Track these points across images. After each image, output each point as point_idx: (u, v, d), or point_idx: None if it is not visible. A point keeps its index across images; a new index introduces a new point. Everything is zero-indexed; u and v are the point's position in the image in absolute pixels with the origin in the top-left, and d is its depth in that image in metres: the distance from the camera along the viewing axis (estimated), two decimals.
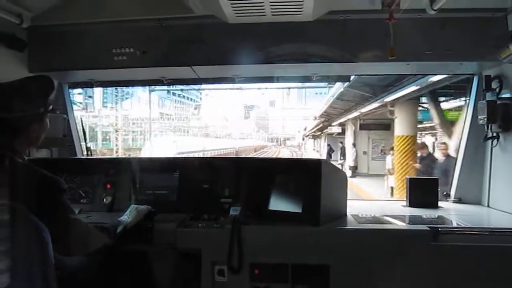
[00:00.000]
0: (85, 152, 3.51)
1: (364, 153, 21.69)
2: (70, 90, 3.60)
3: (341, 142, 24.36)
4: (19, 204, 1.52)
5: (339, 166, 21.37)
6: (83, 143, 3.55)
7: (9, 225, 1.49)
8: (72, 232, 1.73)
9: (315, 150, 47.68)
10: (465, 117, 3.21)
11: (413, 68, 3.12)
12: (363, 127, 20.27)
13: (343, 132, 24.45)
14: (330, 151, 25.89)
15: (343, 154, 23.32)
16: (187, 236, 2.31)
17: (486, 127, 2.91)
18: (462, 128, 3.23)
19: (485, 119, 2.79)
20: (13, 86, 1.72)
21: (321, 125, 29.10)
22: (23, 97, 1.71)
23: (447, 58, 2.74)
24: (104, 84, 3.60)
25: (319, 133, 36.08)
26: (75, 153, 3.49)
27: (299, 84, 22.55)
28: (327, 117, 25.66)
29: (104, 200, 2.70)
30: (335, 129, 25.53)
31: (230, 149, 41.93)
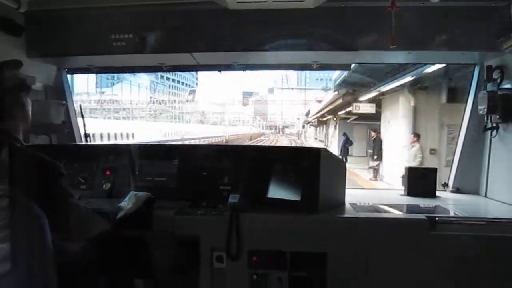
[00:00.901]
0: (84, 139, 3.51)
1: (432, 152, 11.91)
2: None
3: (375, 131, 15.90)
4: (17, 190, 1.52)
5: (370, 172, 15.52)
6: (82, 130, 3.54)
7: (7, 212, 1.50)
8: (72, 216, 1.74)
9: (317, 140, 42.02)
10: (465, 107, 3.20)
11: (414, 57, 3.10)
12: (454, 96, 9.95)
13: (377, 115, 15.92)
14: (346, 143, 19.17)
15: (377, 150, 15.19)
16: (186, 223, 2.32)
17: (486, 118, 2.90)
18: (462, 118, 3.22)
19: (485, 110, 2.78)
20: None
21: (338, 101, 18.98)
22: None
23: (448, 48, 2.72)
24: (103, 70, 3.57)
25: (328, 117, 27.30)
26: (74, 139, 3.48)
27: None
28: (353, 89, 16.03)
29: (104, 186, 2.71)
30: (365, 107, 15.95)
31: (217, 138, 37.73)
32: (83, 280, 2.08)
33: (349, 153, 18.89)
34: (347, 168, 2.81)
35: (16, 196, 1.52)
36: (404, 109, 12.95)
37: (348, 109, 18.31)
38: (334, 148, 20.06)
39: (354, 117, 18.87)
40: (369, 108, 15.73)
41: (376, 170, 15.31)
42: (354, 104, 16.25)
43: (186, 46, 2.87)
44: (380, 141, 15.22)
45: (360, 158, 18.57)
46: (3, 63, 1.78)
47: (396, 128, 13.77)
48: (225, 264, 2.30)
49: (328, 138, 30.50)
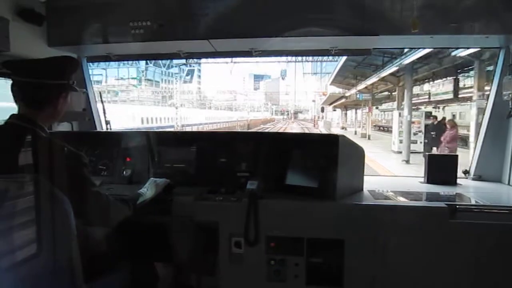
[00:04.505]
0: (104, 126, 3.57)
1: None
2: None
3: None
4: (42, 177, 1.57)
5: None
6: (102, 117, 3.60)
7: (33, 197, 1.55)
8: (93, 204, 1.80)
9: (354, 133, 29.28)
10: (490, 92, 3.11)
11: (436, 41, 3.01)
12: None
13: None
14: None
15: None
16: (204, 209, 2.36)
17: (510, 103, 2.81)
18: (486, 103, 3.13)
19: (510, 95, 2.70)
20: (40, 62, 1.78)
21: None
22: (50, 71, 1.76)
23: (472, 31, 2.63)
24: (122, 57, 3.60)
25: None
26: (94, 126, 3.55)
27: None
28: None
29: (124, 172, 2.76)
30: None
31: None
32: (104, 263, 2.14)
33: None
34: None
35: (40, 183, 1.57)
36: None
37: None
38: None
39: None
40: None
41: None
42: None
43: (203, 33, 2.87)
44: None
45: None
46: (66, 58, 1.85)
47: None
48: (243, 250, 2.33)
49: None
